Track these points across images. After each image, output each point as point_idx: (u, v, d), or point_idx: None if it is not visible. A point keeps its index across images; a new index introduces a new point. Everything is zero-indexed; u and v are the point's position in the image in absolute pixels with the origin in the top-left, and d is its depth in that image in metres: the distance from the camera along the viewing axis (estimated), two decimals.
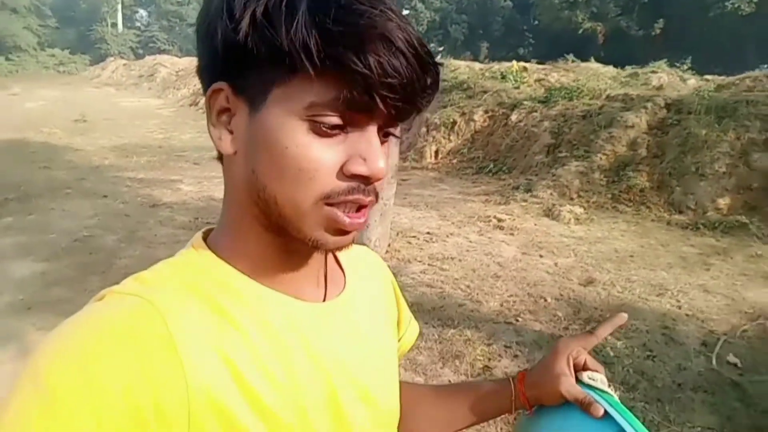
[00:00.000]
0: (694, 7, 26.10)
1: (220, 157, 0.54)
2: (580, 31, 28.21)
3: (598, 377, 0.70)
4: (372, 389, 0.58)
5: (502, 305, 4.14)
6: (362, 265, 0.68)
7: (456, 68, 11.97)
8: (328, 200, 0.47)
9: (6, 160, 8.73)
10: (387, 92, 0.44)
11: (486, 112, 9.66)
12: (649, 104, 7.57)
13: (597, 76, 12.22)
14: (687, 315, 4.00)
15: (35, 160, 8.87)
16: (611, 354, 3.40)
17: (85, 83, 30.09)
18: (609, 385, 0.70)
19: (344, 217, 0.48)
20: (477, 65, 12.78)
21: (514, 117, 9.09)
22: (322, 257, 0.58)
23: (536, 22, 34.24)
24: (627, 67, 15.08)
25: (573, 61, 16.19)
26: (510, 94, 9.98)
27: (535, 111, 8.91)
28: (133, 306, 0.46)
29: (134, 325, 0.45)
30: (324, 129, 0.46)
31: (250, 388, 0.47)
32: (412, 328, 0.78)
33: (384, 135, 0.50)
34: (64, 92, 24.85)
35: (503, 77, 11.04)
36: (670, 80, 13.24)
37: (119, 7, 46.65)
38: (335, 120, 0.46)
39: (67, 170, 8.28)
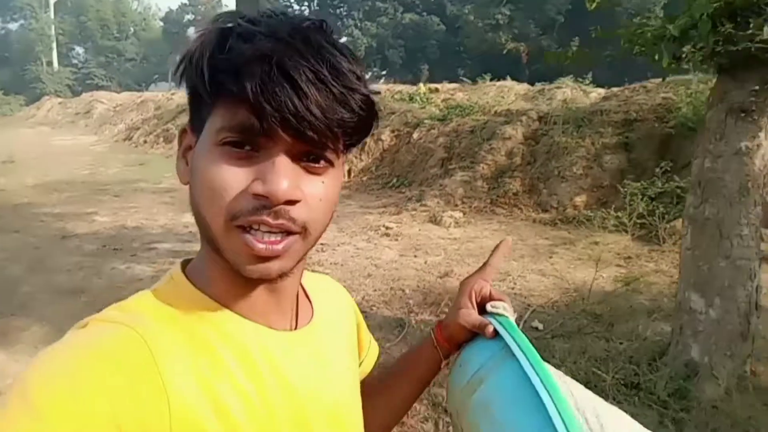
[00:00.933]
0: (605, 24, 28.01)
1: None
2: (504, 52, 29.76)
3: (500, 305, 0.74)
4: (338, 411, 0.62)
5: (363, 298, 4.76)
6: (327, 295, 0.71)
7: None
8: (237, 221, 0.49)
9: None
10: (274, 116, 0.46)
11: (393, 131, 10.42)
12: (524, 117, 8.46)
13: (504, 94, 13.18)
14: (515, 293, 4.72)
15: None
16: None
17: (20, 123, 29.57)
18: (509, 311, 0.73)
19: (255, 242, 0.49)
20: (384, 87, 13.57)
21: (415, 135, 9.87)
22: (290, 288, 0.60)
23: (460, 47, 35.74)
24: (538, 83, 16.24)
25: (491, 80, 17.30)
26: (415, 114, 10.78)
27: (434, 129, 9.72)
28: (118, 332, 0.48)
29: (120, 350, 0.47)
30: (232, 150, 0.49)
31: (227, 411, 0.50)
32: (372, 350, 0.83)
33: (312, 160, 0.51)
34: None
35: (411, 99, 11.86)
36: (573, 94, 14.38)
37: (54, 45, 46.00)
38: (236, 140, 0.49)
39: None
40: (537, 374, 0.57)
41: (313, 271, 0.74)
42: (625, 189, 6.44)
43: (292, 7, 40.14)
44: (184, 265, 0.59)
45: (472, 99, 12.05)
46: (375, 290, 4.95)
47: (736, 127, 2.96)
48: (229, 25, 0.50)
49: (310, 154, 0.51)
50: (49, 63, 45.52)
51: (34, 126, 28.17)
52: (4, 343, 3.99)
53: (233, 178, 0.49)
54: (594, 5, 3.50)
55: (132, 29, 49.88)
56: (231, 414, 0.50)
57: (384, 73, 40.85)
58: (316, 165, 0.51)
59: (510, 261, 5.65)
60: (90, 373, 0.44)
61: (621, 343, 3.66)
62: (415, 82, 17.84)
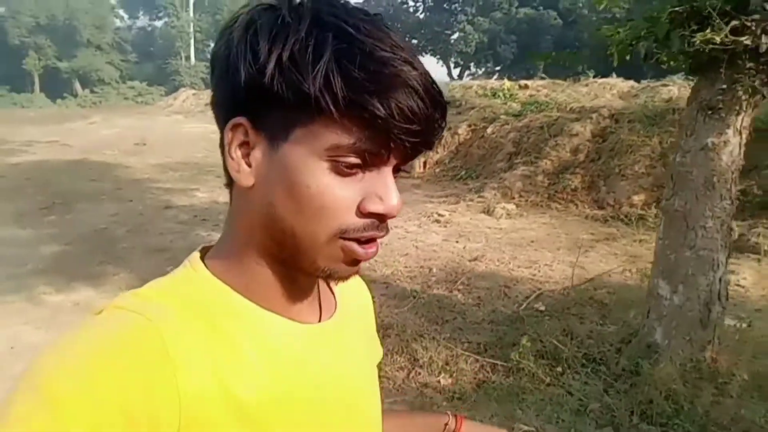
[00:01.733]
0: None
1: (229, 184, 0.57)
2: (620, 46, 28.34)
3: None
4: (358, 404, 0.63)
5: (392, 272, 5.28)
6: (349, 288, 0.70)
7: (452, 88, 13.09)
8: (344, 235, 0.51)
9: (64, 175, 10.69)
10: (405, 135, 0.47)
11: (469, 126, 10.74)
12: (594, 115, 8.44)
13: (605, 91, 12.89)
14: (531, 280, 4.99)
15: (88, 176, 10.78)
16: (448, 302, 4.49)
17: (158, 112, 33.09)
18: None
19: (360, 249, 0.52)
20: (475, 83, 13.80)
21: (489, 130, 10.13)
22: (315, 284, 0.61)
23: (576, 42, 34.43)
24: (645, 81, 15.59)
25: (593, 77, 16.83)
26: (494, 110, 11.01)
27: (507, 124, 9.92)
28: (130, 321, 0.48)
29: (132, 340, 0.46)
30: (344, 169, 0.49)
31: (242, 404, 0.50)
32: (377, 349, 0.80)
33: (396, 171, 0.53)
34: (137, 120, 27.58)
35: (494, 95, 12.06)
36: (681, 93, 13.72)
37: (192, 42, 50.55)
38: (355, 161, 0.49)
39: (110, 182, 10.10)
40: None
41: None
42: None
43: (407, 2, 40.95)
44: (202, 254, 0.58)
45: (560, 96, 11.98)
46: (405, 267, 5.44)
47: (705, 124, 3.11)
48: (325, 19, 0.48)
49: (402, 165, 0.52)
50: (187, 58, 50.15)
51: (170, 114, 31.40)
52: (97, 284, 5.02)
53: (346, 196, 0.50)
54: (603, 5, 3.75)
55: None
56: (247, 407, 0.50)
57: (498, 69, 40.44)
58: (397, 175, 0.53)
59: (545, 251, 5.88)
60: (101, 364, 0.44)
61: (607, 327, 3.87)
62: (528, 78, 17.69)
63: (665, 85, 14.24)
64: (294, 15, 0.48)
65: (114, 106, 38.08)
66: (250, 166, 0.52)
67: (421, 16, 40.25)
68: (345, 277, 0.55)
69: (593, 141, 8.21)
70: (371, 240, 0.52)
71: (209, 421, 0.48)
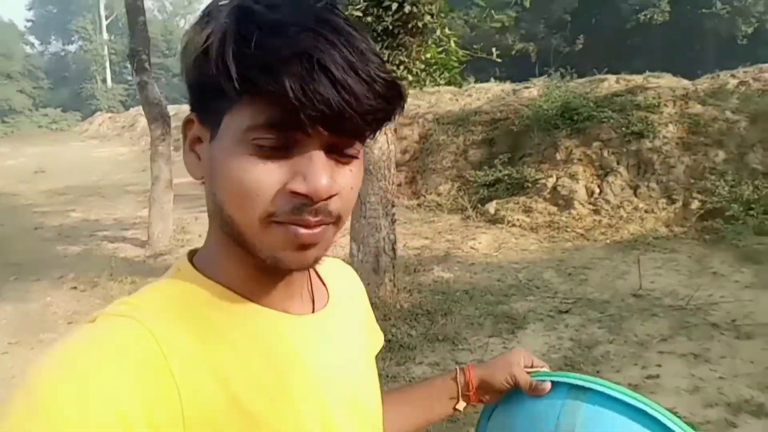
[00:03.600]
0: (610, 20, 28.31)
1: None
2: (513, 53, 30.50)
3: (542, 370, 0.76)
4: (358, 394, 0.62)
5: None
6: (339, 277, 0.70)
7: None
8: (274, 218, 0.49)
9: None
10: (314, 113, 0.45)
11: None
12: (421, 120, 9.74)
13: (479, 95, 14.24)
14: None
15: None
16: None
17: (73, 138, 32.59)
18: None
19: (293, 231, 0.49)
20: None
21: None
22: (304, 273, 0.59)
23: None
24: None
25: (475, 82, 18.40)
26: None
27: None
28: (124, 326, 0.48)
29: (126, 344, 0.46)
30: (264, 151, 0.47)
31: (242, 401, 0.49)
32: (377, 337, 0.78)
33: (340, 155, 0.50)
34: (48, 148, 27.22)
35: None
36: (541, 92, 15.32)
37: (107, 64, 49.81)
38: (273, 142, 0.47)
39: None
40: (628, 395, 0.64)
41: None
42: (471, 177, 7.67)
43: None
44: (191, 256, 0.58)
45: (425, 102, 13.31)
46: None
47: None
48: (245, 5, 0.48)
49: (341, 146, 0.50)
50: (104, 80, 49.38)
51: (85, 140, 31.04)
52: None
53: (268, 177, 0.48)
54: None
55: (179, 46, 53.37)
56: (247, 403, 0.49)
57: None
58: (347, 156, 0.51)
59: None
60: (95, 370, 0.44)
61: None
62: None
63: (527, 87, 15.94)
64: (221, 7, 0.49)
65: (27, 134, 37.08)
66: (199, 159, 0.54)
67: None
68: (295, 266, 0.52)
69: (419, 142, 9.48)
70: (308, 225, 0.49)
71: (212, 421, 0.47)
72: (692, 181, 6.45)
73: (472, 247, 6.03)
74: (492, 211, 6.96)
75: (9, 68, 40.84)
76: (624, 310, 4.27)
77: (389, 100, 0.48)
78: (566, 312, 4.29)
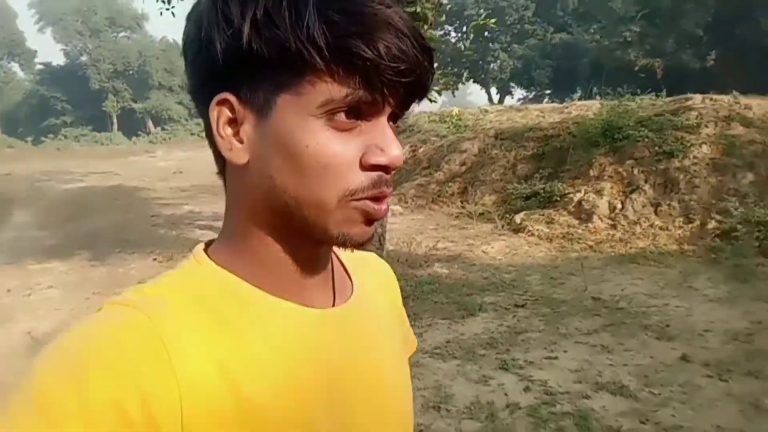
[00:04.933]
0: (751, 34, 26.16)
1: (222, 171, 0.55)
2: (636, 69, 29.33)
3: None
4: (383, 394, 0.59)
5: None
6: (368, 271, 0.67)
7: (410, 113, 15.23)
8: (354, 196, 0.48)
9: (97, 197, 13.74)
10: (397, 77, 0.45)
11: (411, 147, 12.85)
12: (482, 134, 10.36)
13: (581, 111, 14.50)
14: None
15: (114, 197, 13.77)
16: None
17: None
18: None
19: (374, 206, 0.49)
20: (427, 110, 15.84)
21: (421, 150, 12.20)
22: (329, 264, 0.58)
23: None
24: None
25: (580, 99, 18.40)
26: (435, 133, 13.05)
27: (433, 144, 11.96)
28: (124, 316, 0.47)
29: (126, 337, 0.46)
30: (341, 123, 0.47)
31: (248, 394, 0.48)
32: (409, 339, 0.75)
33: (392, 120, 0.50)
34: (194, 152, 31.04)
35: (443, 120, 14.09)
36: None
37: None
38: (351, 113, 0.47)
39: (126, 201, 12.99)
40: None
41: None
42: (512, 190, 8.22)
43: (450, 35, 43.23)
44: (207, 246, 0.56)
45: (498, 118, 13.81)
46: None
47: None
48: None
49: (398, 116, 0.50)
50: None
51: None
52: (64, 258, 7.55)
53: (347, 152, 0.47)
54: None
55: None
56: (252, 397, 0.48)
57: (534, 93, 41.80)
58: (395, 125, 0.50)
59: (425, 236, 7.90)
60: (93, 363, 0.44)
61: None
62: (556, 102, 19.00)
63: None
64: None
65: (180, 141, 42.17)
66: (242, 142, 0.49)
67: (461, 46, 42.48)
68: (360, 242, 0.51)
69: (477, 155, 10.10)
70: (381, 198, 0.50)
71: (215, 418, 0.46)
72: (713, 201, 6.47)
73: (483, 251, 6.63)
74: (518, 221, 7.46)
75: (171, 82, 46.87)
76: (574, 309, 4.72)
77: (433, 62, 0.49)
78: (522, 306, 4.83)
